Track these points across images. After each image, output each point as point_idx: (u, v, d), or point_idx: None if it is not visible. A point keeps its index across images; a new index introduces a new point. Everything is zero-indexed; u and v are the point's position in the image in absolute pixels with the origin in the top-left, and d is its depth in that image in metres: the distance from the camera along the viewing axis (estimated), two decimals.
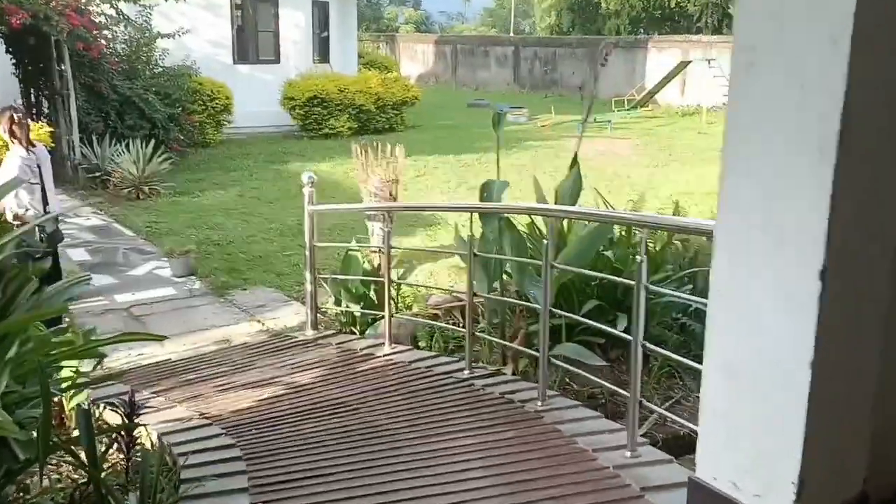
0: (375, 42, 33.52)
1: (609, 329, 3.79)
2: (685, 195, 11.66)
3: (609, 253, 5.02)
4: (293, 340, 5.76)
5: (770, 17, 1.18)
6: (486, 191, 4.57)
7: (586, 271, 4.38)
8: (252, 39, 17.92)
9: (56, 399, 3.75)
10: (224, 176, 12.77)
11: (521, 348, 4.46)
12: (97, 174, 11.50)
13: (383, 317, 5.72)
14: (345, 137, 16.63)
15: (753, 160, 1.22)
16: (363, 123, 17.23)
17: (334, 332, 5.95)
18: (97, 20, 12.62)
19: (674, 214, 6.80)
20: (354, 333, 5.93)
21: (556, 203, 4.58)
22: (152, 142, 11.83)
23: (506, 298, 4.73)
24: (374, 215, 5.93)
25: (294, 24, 17.96)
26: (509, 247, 4.72)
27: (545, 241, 3.83)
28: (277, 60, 17.97)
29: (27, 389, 2.61)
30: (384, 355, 5.18)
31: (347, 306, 5.93)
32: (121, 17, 13.43)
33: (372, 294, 6.04)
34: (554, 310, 4.02)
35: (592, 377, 4.13)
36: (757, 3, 1.20)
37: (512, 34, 40.08)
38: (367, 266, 6.04)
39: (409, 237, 8.77)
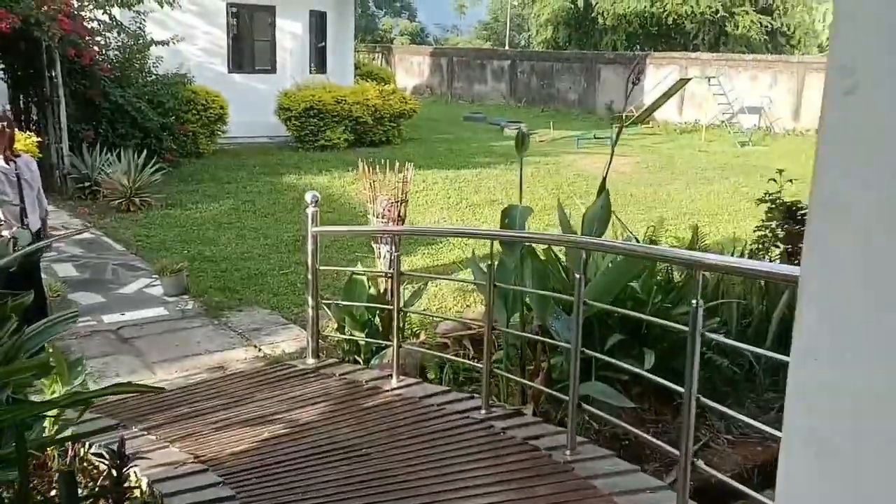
0: (371, 53, 33.27)
1: (661, 381, 3.42)
2: (692, 215, 11.40)
3: (635, 283, 4.70)
4: (293, 369, 5.41)
5: (878, 34, 0.94)
6: (508, 216, 4.24)
7: (629, 312, 4.06)
8: (248, 48, 17.61)
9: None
10: (217, 188, 12.40)
11: (545, 389, 4.12)
12: (86, 184, 11.10)
13: (389, 346, 5.40)
14: (341, 150, 16.32)
15: (849, 202, 1.01)
16: (359, 136, 16.91)
17: (337, 360, 5.60)
18: (89, 26, 12.28)
19: (693, 238, 6.50)
20: (358, 362, 5.59)
21: (582, 231, 4.26)
22: (145, 152, 11.45)
23: (528, 335, 4.40)
24: (380, 237, 5.60)
25: (291, 34, 17.66)
26: (530, 277, 4.40)
27: (577, 276, 3.50)
28: (273, 70, 17.65)
29: (1, 450, 2.25)
30: (392, 389, 4.84)
31: (351, 333, 5.58)
32: (114, 23, 13.10)
33: (377, 320, 5.70)
34: (585, 350, 3.69)
35: (625, 424, 3.80)
36: (861, 15, 0.96)
37: (507, 48, 39.94)
38: (372, 291, 5.70)
39: (410, 256, 8.43)
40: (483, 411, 4.30)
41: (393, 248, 5.47)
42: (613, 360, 3.80)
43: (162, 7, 12.58)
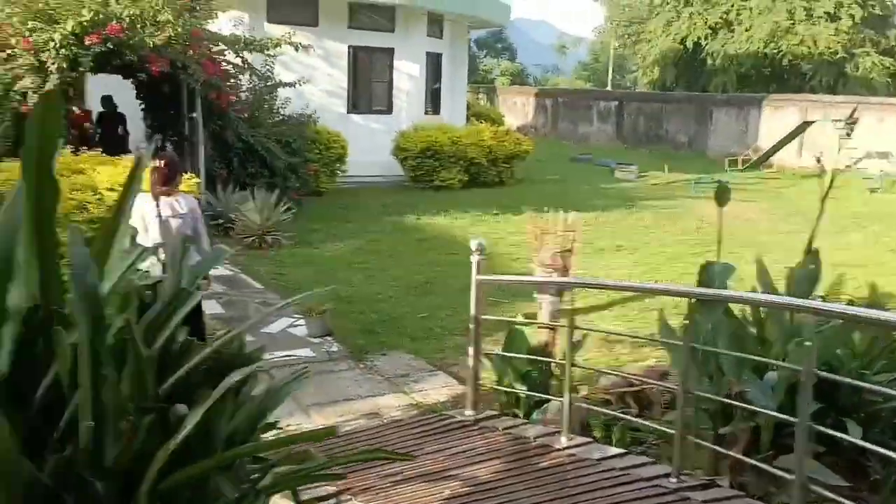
0: (475, 93, 33.61)
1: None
2: (837, 266, 10.74)
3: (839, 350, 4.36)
4: (453, 421, 5.26)
5: None
6: (707, 274, 4.02)
7: (868, 384, 3.75)
8: (366, 89, 17.98)
9: None
10: (340, 227, 12.59)
11: (760, 464, 3.82)
12: (220, 221, 11.45)
13: (550, 399, 5.20)
14: (455, 190, 16.38)
15: None
16: (473, 176, 16.97)
17: (496, 413, 5.43)
18: (225, 69, 12.78)
19: (870, 297, 6.05)
20: (517, 415, 5.41)
21: (788, 291, 3.99)
22: (276, 190, 11.75)
23: (725, 399, 4.12)
24: (545, 288, 5.44)
25: (407, 75, 17.96)
26: (724, 338, 4.14)
27: (807, 343, 3.24)
28: (389, 111, 17.97)
29: None
30: (564, 448, 4.62)
31: (512, 385, 5.41)
32: (246, 66, 13.60)
33: (535, 373, 5.51)
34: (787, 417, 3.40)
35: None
36: None
37: (610, 88, 39.65)
38: (533, 342, 5.52)
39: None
40: (674, 480, 4.03)
41: (559, 299, 5.30)
42: (838, 434, 3.49)
43: (297, 51, 12.96)
